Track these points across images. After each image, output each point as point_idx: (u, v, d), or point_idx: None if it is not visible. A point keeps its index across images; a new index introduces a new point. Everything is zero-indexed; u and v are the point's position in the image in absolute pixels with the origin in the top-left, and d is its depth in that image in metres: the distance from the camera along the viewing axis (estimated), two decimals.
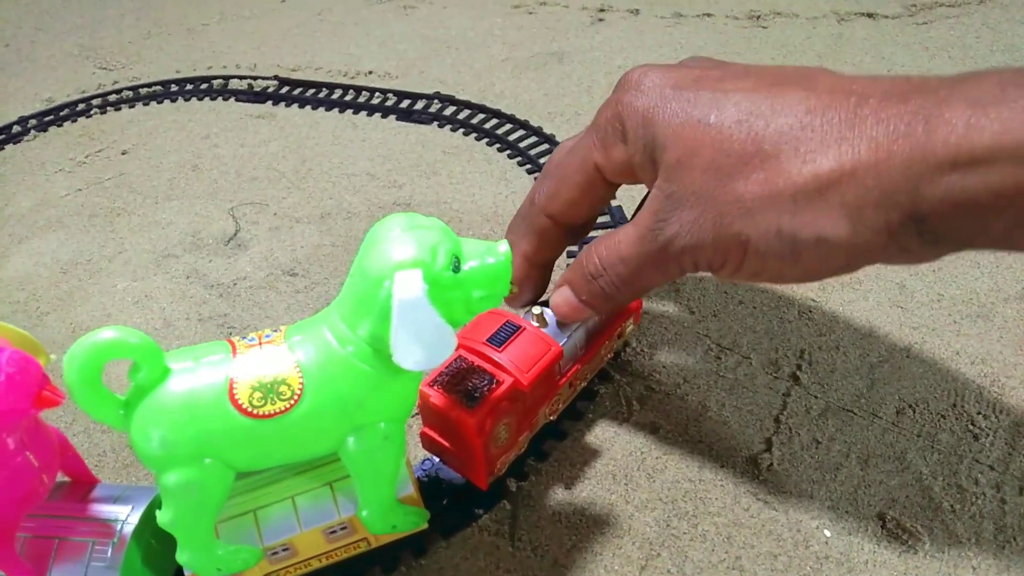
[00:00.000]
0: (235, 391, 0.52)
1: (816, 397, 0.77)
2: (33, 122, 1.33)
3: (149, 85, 1.37)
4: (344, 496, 0.61)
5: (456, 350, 0.64)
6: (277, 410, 0.53)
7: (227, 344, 0.56)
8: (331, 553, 0.63)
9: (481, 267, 0.55)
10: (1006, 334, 0.80)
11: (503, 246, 0.56)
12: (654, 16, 1.39)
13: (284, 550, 0.60)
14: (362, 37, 1.45)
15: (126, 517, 0.61)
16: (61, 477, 0.63)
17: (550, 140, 1.11)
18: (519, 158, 1.10)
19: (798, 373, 0.79)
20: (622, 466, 0.73)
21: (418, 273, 0.50)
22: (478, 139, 1.15)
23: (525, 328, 0.67)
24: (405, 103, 1.24)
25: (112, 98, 1.36)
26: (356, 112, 1.24)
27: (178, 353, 0.55)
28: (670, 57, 1.28)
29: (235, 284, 0.97)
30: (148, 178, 1.17)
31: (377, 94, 1.27)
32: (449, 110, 1.21)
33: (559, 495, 0.71)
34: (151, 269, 1.01)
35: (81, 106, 1.35)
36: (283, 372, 0.53)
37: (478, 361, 0.65)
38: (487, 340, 0.65)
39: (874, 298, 0.86)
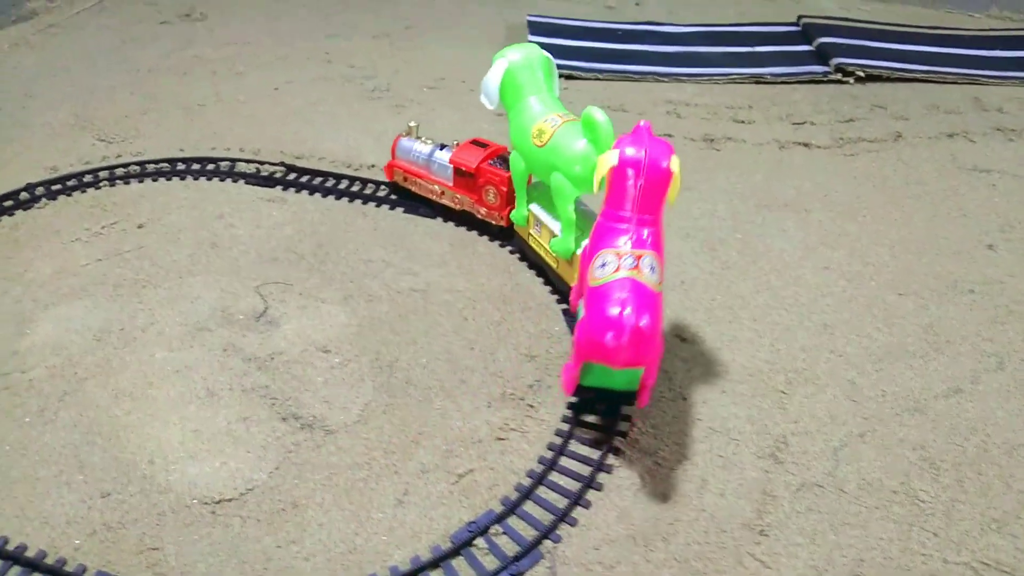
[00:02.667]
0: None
1: (793, 475, 0.92)
2: (41, 190, 1.38)
3: (156, 162, 1.45)
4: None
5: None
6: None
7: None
8: (547, 251, 1.14)
9: None
10: (938, 425, 0.98)
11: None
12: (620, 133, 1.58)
13: (538, 225, 1.15)
14: (358, 130, 1.58)
15: None
16: None
17: None
18: (519, 254, 1.24)
19: (777, 454, 0.94)
20: (640, 530, 0.86)
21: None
22: (480, 235, 1.29)
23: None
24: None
25: (119, 172, 1.43)
26: (364, 202, 1.36)
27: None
28: None
29: (272, 359, 1.06)
30: (167, 252, 1.25)
31: (383, 187, 1.39)
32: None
33: (589, 555, 0.83)
34: (186, 341, 1.09)
35: (88, 177, 1.41)
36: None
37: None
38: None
39: (831, 392, 1.03)
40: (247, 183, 1.41)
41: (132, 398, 1.01)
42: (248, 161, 1.46)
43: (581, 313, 0.92)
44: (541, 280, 1.20)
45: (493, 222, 1.26)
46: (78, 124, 1.60)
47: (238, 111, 1.63)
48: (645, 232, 0.87)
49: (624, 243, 0.86)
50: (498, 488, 0.90)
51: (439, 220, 1.33)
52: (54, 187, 1.39)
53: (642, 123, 0.89)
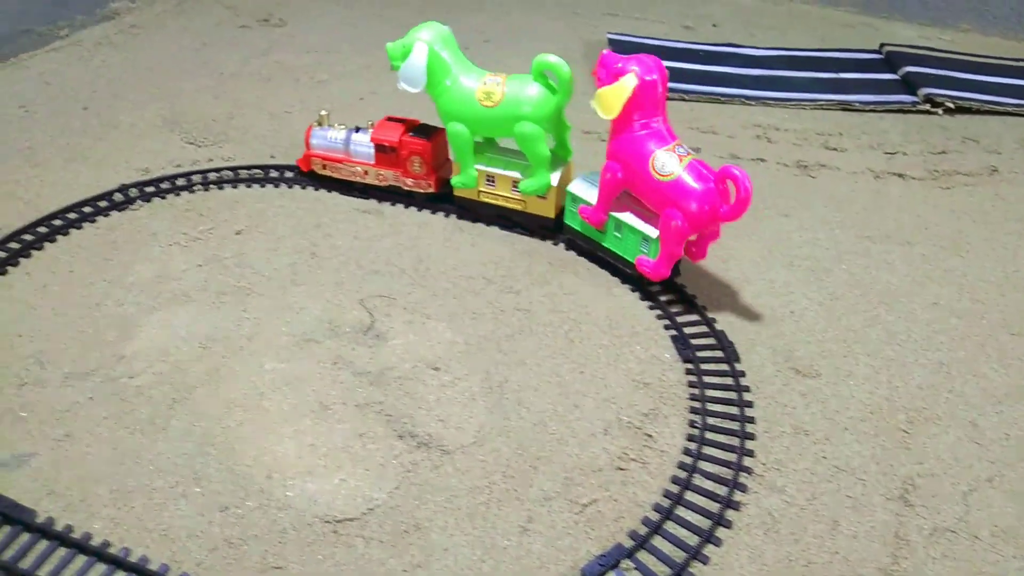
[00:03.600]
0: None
1: (924, 519, 0.89)
2: (135, 191, 1.38)
3: (248, 167, 1.44)
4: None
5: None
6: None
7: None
8: (508, 198, 1.27)
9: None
10: None
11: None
12: (712, 156, 1.56)
13: (491, 181, 1.26)
14: None
15: None
16: None
17: None
18: (619, 277, 1.22)
19: (907, 496, 0.92)
20: (774, 571, 0.83)
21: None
22: (578, 255, 1.27)
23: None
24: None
25: (212, 176, 1.42)
26: (460, 217, 1.35)
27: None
28: None
29: (383, 374, 1.04)
30: (268, 260, 1.24)
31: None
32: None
33: None
34: (295, 352, 1.07)
35: (181, 180, 1.40)
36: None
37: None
38: None
39: (954, 433, 1.00)
40: (341, 193, 1.40)
41: (244, 409, 0.99)
42: None
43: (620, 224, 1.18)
44: (647, 304, 1.17)
45: (421, 190, 1.34)
46: (166, 126, 1.60)
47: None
48: (669, 130, 1.13)
49: (669, 142, 1.11)
50: (624, 520, 0.88)
51: (536, 239, 1.31)
52: (147, 189, 1.39)
53: (605, 51, 1.15)
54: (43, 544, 0.85)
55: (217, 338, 1.09)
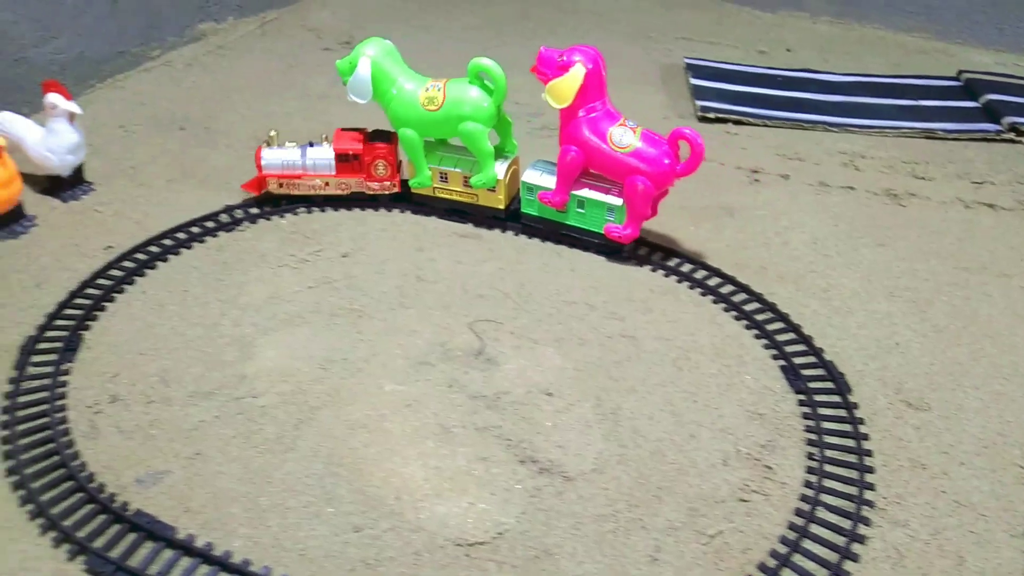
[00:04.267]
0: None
1: None
2: (240, 212, 1.42)
3: None
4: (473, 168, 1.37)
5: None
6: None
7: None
8: (461, 192, 1.38)
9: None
10: None
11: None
12: (802, 183, 1.57)
13: (444, 178, 1.37)
14: None
15: None
16: None
17: (746, 289, 1.25)
18: (723, 304, 1.24)
19: None
20: None
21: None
22: (679, 282, 1.28)
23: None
24: (597, 239, 1.36)
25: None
26: (556, 243, 1.37)
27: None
28: (826, 221, 1.45)
29: (498, 398, 1.06)
30: (375, 283, 1.27)
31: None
32: (642, 251, 1.34)
33: None
34: (411, 374, 1.10)
35: (283, 202, 1.44)
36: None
37: None
38: None
39: None
40: (439, 217, 1.43)
41: (368, 430, 1.02)
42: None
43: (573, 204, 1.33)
44: (752, 333, 1.18)
45: (386, 192, 1.43)
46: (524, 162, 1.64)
47: None
48: (615, 109, 1.29)
49: (618, 119, 1.27)
50: (751, 552, 0.89)
51: (633, 265, 1.32)
52: (252, 210, 1.43)
53: (543, 48, 1.30)
54: (185, 561, 0.88)
55: (335, 359, 1.12)
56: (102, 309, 1.21)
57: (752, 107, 1.81)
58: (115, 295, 1.24)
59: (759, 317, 1.20)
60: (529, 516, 0.92)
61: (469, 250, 1.35)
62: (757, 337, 1.18)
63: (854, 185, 1.56)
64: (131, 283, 1.26)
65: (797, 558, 0.88)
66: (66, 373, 1.10)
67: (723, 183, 1.55)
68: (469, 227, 1.41)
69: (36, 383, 1.08)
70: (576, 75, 1.24)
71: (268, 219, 1.42)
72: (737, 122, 1.76)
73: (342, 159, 1.40)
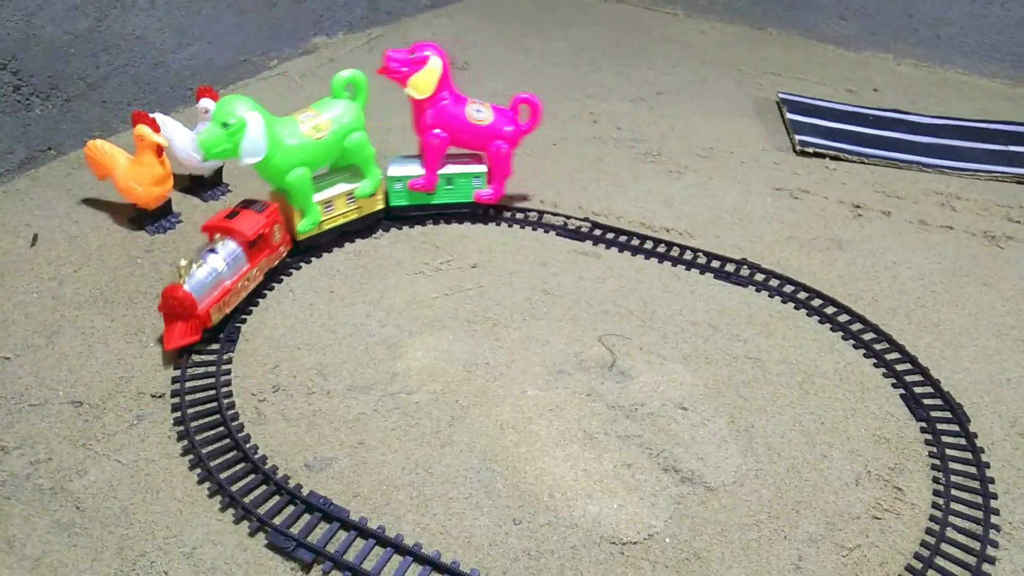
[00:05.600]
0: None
1: None
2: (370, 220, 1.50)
3: (469, 204, 1.55)
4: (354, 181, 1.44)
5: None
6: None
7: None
8: (346, 212, 1.41)
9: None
10: None
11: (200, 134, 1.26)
12: (903, 220, 1.62)
13: (329, 206, 1.39)
14: (645, 192, 1.66)
15: None
16: None
17: (861, 320, 1.31)
18: (840, 332, 1.30)
19: None
20: None
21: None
22: (796, 308, 1.35)
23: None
24: (716, 263, 1.43)
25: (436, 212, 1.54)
26: (674, 264, 1.44)
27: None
28: (930, 258, 1.51)
29: (636, 409, 1.13)
30: (506, 294, 1.34)
31: (688, 251, 1.46)
32: (759, 277, 1.40)
33: None
34: (550, 381, 1.17)
35: (415, 213, 1.52)
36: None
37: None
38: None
39: None
40: (557, 234, 1.51)
41: (516, 431, 1.09)
42: (554, 214, 1.55)
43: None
44: (871, 361, 1.24)
45: (287, 249, 1.37)
46: (380, 159, 1.72)
47: (527, 163, 1.74)
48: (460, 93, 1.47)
49: (466, 100, 1.46)
50: (888, 566, 0.94)
51: (751, 290, 1.39)
52: (381, 219, 1.51)
53: (388, 50, 1.41)
54: (360, 542, 0.95)
55: (478, 363, 1.20)
56: (255, 304, 1.29)
57: (848, 144, 1.87)
58: (266, 292, 1.32)
59: (877, 347, 1.25)
60: (676, 521, 0.98)
61: (590, 267, 1.42)
62: (876, 365, 1.24)
63: (953, 225, 1.62)
64: (279, 281, 1.35)
65: (931, 574, 0.93)
66: (228, 363, 1.18)
67: (828, 216, 1.61)
68: (587, 245, 1.48)
69: (201, 370, 1.16)
70: (435, 67, 1.40)
71: (400, 229, 1.50)
72: (835, 157, 1.83)
73: (251, 245, 1.25)
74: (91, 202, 1.53)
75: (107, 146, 1.43)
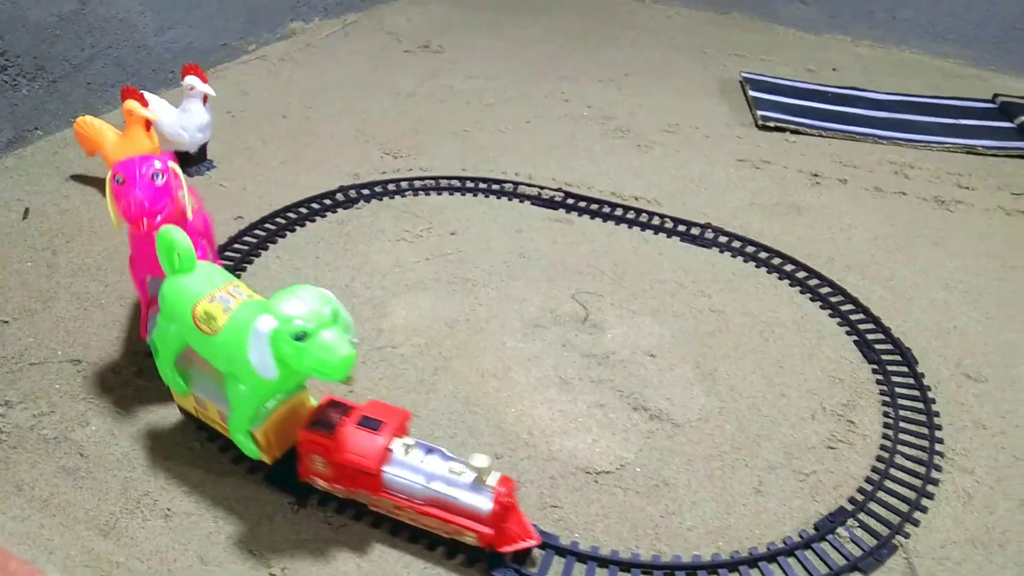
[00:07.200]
0: (197, 305, 0.92)
1: None
2: (353, 192, 1.56)
3: (448, 178, 1.62)
4: None
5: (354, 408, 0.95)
6: (205, 330, 0.91)
7: (228, 280, 0.95)
8: (221, 426, 1.01)
9: (321, 351, 0.82)
10: None
11: (346, 350, 0.82)
12: (859, 187, 1.71)
13: (201, 403, 1.02)
14: (615, 165, 1.74)
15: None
16: None
17: (818, 276, 1.39)
18: (798, 287, 1.38)
19: None
20: (976, 536, 0.97)
21: (272, 322, 0.83)
22: (757, 267, 1.43)
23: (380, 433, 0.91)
24: (682, 227, 1.51)
25: (417, 183, 1.60)
26: (643, 229, 1.51)
27: (207, 265, 0.97)
28: (884, 221, 1.60)
29: (608, 357, 1.21)
30: (484, 258, 1.41)
31: (656, 217, 1.54)
32: (722, 239, 1.49)
33: (937, 552, 0.95)
34: (528, 335, 1.24)
35: (392, 186, 1.59)
36: (221, 314, 0.90)
37: (345, 422, 0.92)
38: (363, 417, 0.93)
39: None
40: (532, 204, 1.58)
41: (497, 378, 1.16)
42: (529, 185, 1.62)
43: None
44: (827, 312, 1.33)
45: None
46: (361, 137, 1.79)
47: (502, 140, 1.81)
48: None
49: None
50: (842, 489, 1.02)
51: (715, 251, 1.47)
52: (364, 191, 1.57)
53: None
54: None
55: (459, 320, 1.26)
56: (243, 270, 1.35)
57: (808, 118, 1.96)
58: (253, 258, 1.38)
59: (832, 299, 1.34)
60: (646, 453, 1.06)
61: (564, 232, 1.49)
62: (831, 316, 1.32)
63: (906, 191, 1.71)
64: (265, 248, 1.41)
65: (881, 494, 1.02)
66: None
67: (788, 184, 1.70)
68: (560, 213, 1.56)
69: None
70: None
71: (380, 199, 1.56)
72: (795, 131, 1.92)
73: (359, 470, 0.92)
74: (80, 178, 1.57)
75: (96, 122, 1.47)
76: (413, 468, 0.90)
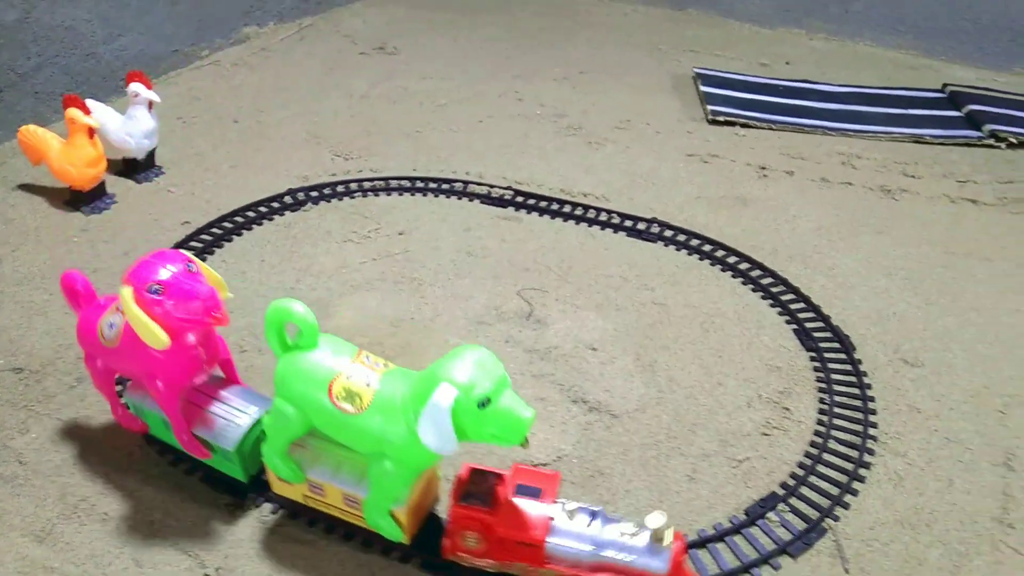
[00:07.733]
0: (333, 384, 0.83)
1: None
2: (302, 195, 1.57)
3: (397, 178, 1.63)
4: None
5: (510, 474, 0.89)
6: (349, 410, 0.83)
7: (356, 351, 0.87)
8: (345, 511, 0.92)
9: (503, 416, 0.77)
10: None
11: (528, 412, 0.77)
12: (806, 179, 1.74)
13: (318, 488, 0.92)
14: (566, 162, 1.75)
15: (250, 412, 0.96)
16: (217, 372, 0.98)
17: (761, 267, 1.41)
18: (741, 279, 1.40)
19: (1009, 463, 1.08)
20: (905, 517, 0.99)
21: (454, 392, 0.76)
22: (700, 259, 1.45)
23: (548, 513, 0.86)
24: (628, 223, 1.53)
25: (367, 185, 1.61)
26: (590, 225, 1.53)
27: (326, 337, 0.88)
28: (829, 211, 1.62)
29: (550, 351, 1.22)
30: (431, 257, 1.42)
31: (603, 213, 1.56)
32: (667, 233, 1.50)
33: (865, 533, 0.97)
34: (473, 332, 1.25)
35: (341, 188, 1.59)
36: (365, 390, 0.82)
37: (505, 492, 0.86)
38: (519, 485, 0.87)
39: None
40: (482, 203, 1.59)
41: None
42: (479, 183, 1.63)
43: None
44: (768, 302, 1.35)
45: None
46: (312, 140, 1.80)
47: (454, 139, 1.82)
48: None
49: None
50: (775, 475, 1.04)
51: (660, 245, 1.48)
52: (312, 193, 1.58)
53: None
54: None
55: (404, 319, 1.27)
56: None
57: (758, 112, 1.98)
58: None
59: (774, 290, 1.36)
60: (583, 444, 1.07)
61: (512, 230, 1.51)
62: (772, 306, 1.34)
63: (852, 181, 1.74)
64: (211, 253, 1.41)
65: (813, 479, 1.03)
66: None
67: (736, 177, 1.72)
68: (509, 211, 1.57)
69: None
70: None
71: (328, 202, 1.57)
72: (744, 125, 1.94)
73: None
74: (26, 187, 1.57)
75: (40, 131, 1.47)
76: (578, 536, 0.85)
